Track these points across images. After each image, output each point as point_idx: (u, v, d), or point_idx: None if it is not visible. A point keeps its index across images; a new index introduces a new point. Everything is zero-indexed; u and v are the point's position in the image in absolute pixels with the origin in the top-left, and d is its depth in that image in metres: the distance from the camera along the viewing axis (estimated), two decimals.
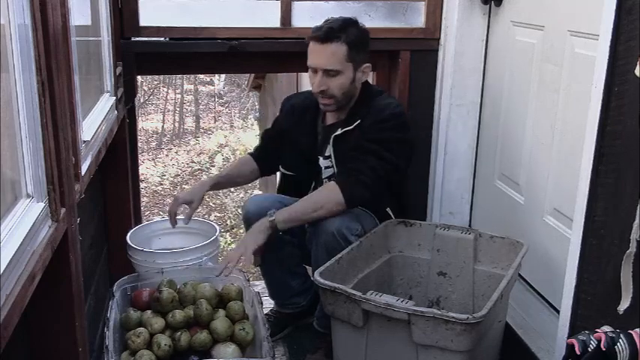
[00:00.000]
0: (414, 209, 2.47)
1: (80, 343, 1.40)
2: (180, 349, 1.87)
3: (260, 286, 2.54)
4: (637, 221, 1.36)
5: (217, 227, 2.41)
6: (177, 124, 16.52)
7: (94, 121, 1.92)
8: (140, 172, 3.37)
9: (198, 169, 14.09)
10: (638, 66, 1.33)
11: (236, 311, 1.98)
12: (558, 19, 2.07)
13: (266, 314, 2.30)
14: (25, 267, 1.09)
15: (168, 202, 11.98)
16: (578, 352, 1.17)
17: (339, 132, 2.15)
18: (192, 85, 17.36)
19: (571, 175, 1.85)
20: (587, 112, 1.56)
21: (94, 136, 1.83)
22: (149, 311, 1.96)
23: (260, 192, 8.46)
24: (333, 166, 2.19)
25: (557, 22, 2.08)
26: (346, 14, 2.24)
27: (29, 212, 1.20)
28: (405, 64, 2.66)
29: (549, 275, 2.13)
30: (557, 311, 1.87)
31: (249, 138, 15.03)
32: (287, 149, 2.33)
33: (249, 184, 2.60)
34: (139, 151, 3.48)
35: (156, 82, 17.07)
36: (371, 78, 2.52)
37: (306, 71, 2.17)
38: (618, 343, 1.14)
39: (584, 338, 1.18)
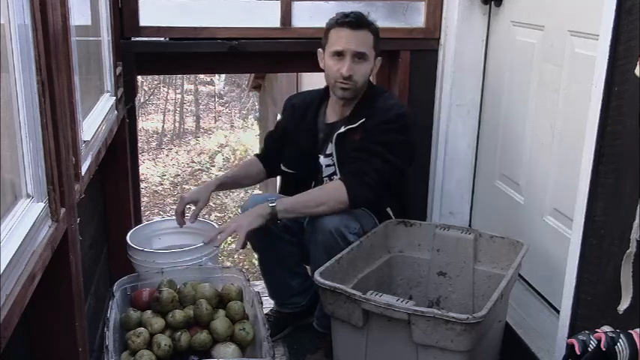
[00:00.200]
0: (414, 209, 2.47)
1: (80, 343, 1.40)
2: (180, 349, 1.87)
3: (260, 286, 2.54)
4: (637, 221, 1.36)
5: (217, 227, 2.41)
6: (177, 124, 16.53)
7: (94, 121, 1.92)
8: (140, 172, 3.37)
9: (199, 169, 14.09)
10: (638, 66, 1.33)
11: (236, 311, 1.98)
12: (558, 19, 2.07)
13: (266, 314, 2.30)
14: (25, 267, 1.09)
15: (168, 202, 12.01)
16: (578, 352, 1.17)
17: (342, 130, 2.15)
18: (193, 85, 17.36)
19: (571, 175, 1.85)
20: (587, 112, 1.56)
21: (94, 136, 1.83)
22: (149, 311, 1.96)
23: (260, 192, 8.46)
24: (334, 165, 2.20)
25: (557, 22, 2.08)
26: None
27: (29, 212, 1.20)
28: (405, 64, 2.66)
29: (549, 275, 2.13)
30: (557, 311, 1.87)
31: (250, 138, 15.04)
32: (288, 147, 2.33)
33: (250, 185, 2.60)
34: (139, 151, 3.48)
35: (156, 82, 17.08)
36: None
37: (307, 71, 2.18)
38: (618, 343, 1.14)
39: (584, 338, 1.18)
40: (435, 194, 2.75)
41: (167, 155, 14.97)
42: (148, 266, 2.15)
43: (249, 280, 2.14)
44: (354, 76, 2.11)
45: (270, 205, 2.02)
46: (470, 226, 2.75)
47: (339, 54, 2.10)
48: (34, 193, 1.24)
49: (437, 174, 2.73)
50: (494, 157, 2.55)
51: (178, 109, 16.77)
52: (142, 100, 15.55)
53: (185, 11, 2.53)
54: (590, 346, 1.17)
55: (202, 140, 15.88)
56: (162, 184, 13.25)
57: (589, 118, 1.55)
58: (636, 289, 1.39)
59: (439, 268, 2.22)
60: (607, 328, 1.23)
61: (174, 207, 2.34)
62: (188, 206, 2.27)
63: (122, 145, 2.45)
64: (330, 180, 2.22)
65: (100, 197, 2.41)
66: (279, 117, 2.52)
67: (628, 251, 1.39)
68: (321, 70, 2.23)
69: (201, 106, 17.37)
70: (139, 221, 2.72)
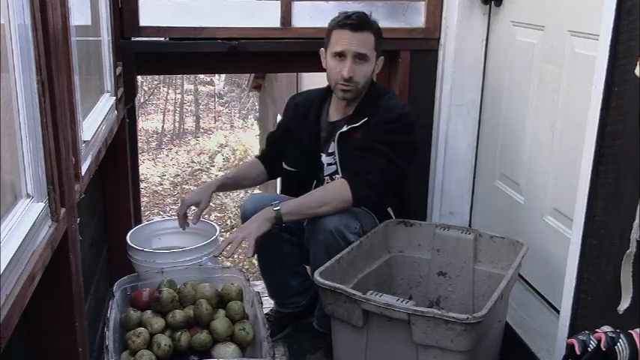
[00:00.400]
0: (414, 209, 2.47)
1: (80, 343, 1.40)
2: (180, 349, 1.87)
3: (260, 286, 2.54)
4: (637, 221, 1.36)
5: (217, 227, 2.41)
6: (177, 124, 16.53)
7: (94, 121, 1.92)
8: (140, 172, 3.37)
9: (199, 169, 14.09)
10: (638, 66, 1.33)
11: (236, 311, 1.98)
12: (558, 19, 2.07)
13: (266, 314, 2.30)
14: (25, 267, 1.09)
15: (168, 202, 12.01)
16: (578, 352, 1.17)
17: (344, 129, 2.15)
18: (192, 85, 17.37)
19: (571, 175, 1.85)
20: (587, 112, 1.55)
21: (94, 136, 1.83)
22: (149, 311, 1.96)
23: (259, 192, 8.46)
24: (336, 163, 2.20)
25: (557, 22, 2.08)
26: None
27: (29, 212, 1.20)
28: (405, 64, 2.66)
29: (549, 275, 2.13)
30: (557, 311, 1.87)
31: (250, 138, 15.04)
32: (290, 146, 2.33)
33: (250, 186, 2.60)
34: (139, 151, 3.48)
35: (156, 82, 17.09)
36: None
37: (307, 71, 2.18)
38: (618, 343, 1.14)
39: (584, 338, 1.18)
40: (435, 194, 2.75)
41: (167, 155, 14.97)
42: (148, 266, 2.15)
43: (249, 280, 2.14)
44: (354, 78, 2.11)
45: (275, 209, 2.02)
46: (470, 226, 2.75)
47: (340, 55, 2.10)
48: (34, 193, 1.24)
49: (437, 174, 2.73)
50: (494, 157, 2.55)
51: (178, 109, 16.77)
52: (142, 100, 15.55)
53: (185, 11, 2.53)
54: (590, 346, 1.17)
55: (202, 140, 15.88)
56: (162, 184, 13.25)
57: (589, 118, 1.55)
58: (636, 289, 1.39)
59: (439, 268, 2.22)
60: (607, 328, 1.23)
61: (175, 207, 2.35)
62: (191, 208, 2.27)
63: (122, 145, 2.45)
64: (332, 179, 2.22)
65: (100, 197, 2.41)
66: (279, 117, 2.52)
67: (628, 251, 1.39)
68: (323, 70, 2.23)
69: (201, 106, 17.37)
70: (139, 221, 2.72)
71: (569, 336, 1.59)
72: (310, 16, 2.55)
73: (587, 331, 1.21)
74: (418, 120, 2.21)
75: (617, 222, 1.47)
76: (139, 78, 4.58)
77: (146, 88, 16.52)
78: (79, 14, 1.82)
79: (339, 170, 2.18)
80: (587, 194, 1.58)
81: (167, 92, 17.33)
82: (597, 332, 1.19)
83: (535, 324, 2.15)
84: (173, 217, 2.34)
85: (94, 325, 2.05)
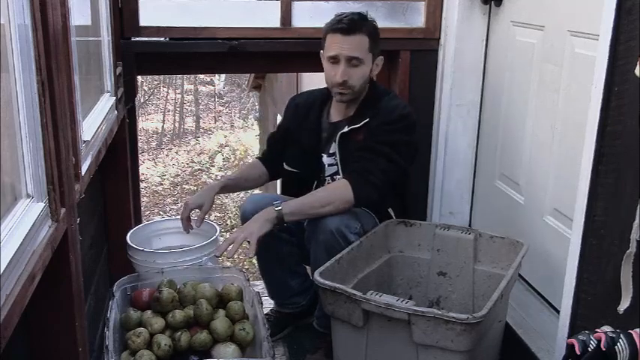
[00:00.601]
0: (415, 209, 2.47)
1: (80, 343, 1.40)
2: (180, 349, 1.87)
3: (260, 286, 2.54)
4: (637, 221, 1.36)
5: (217, 227, 2.41)
6: (177, 124, 16.53)
7: (94, 121, 1.92)
8: (140, 172, 3.37)
9: (199, 169, 14.10)
10: (638, 66, 1.33)
11: (236, 311, 1.98)
12: (558, 19, 2.07)
13: (266, 314, 2.30)
14: (25, 267, 1.09)
15: (168, 202, 12.01)
16: (578, 352, 1.17)
17: (345, 129, 2.15)
18: (193, 85, 17.37)
19: (571, 175, 1.85)
20: (587, 112, 1.55)
21: (94, 136, 1.83)
22: (149, 311, 1.96)
23: (259, 192, 8.46)
24: (337, 164, 2.20)
25: (557, 22, 2.08)
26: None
27: (29, 212, 1.20)
28: (405, 64, 2.66)
29: (549, 275, 2.13)
30: (557, 311, 1.87)
31: (250, 138, 15.04)
32: (291, 146, 2.33)
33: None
34: (139, 151, 3.48)
35: (156, 82, 17.09)
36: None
37: (307, 71, 2.18)
38: (618, 343, 1.14)
39: (584, 338, 1.18)
40: (435, 194, 2.75)
41: (167, 155, 14.97)
42: (148, 266, 2.15)
43: (249, 280, 2.14)
44: (349, 81, 2.11)
45: (276, 209, 2.01)
46: (470, 226, 2.75)
47: (334, 59, 2.11)
48: (34, 193, 1.24)
49: (437, 174, 2.73)
50: (494, 156, 2.55)
51: (178, 109, 16.78)
52: (142, 100, 15.55)
53: (185, 11, 2.53)
54: (590, 346, 1.17)
55: (202, 140, 15.88)
56: (162, 184, 13.25)
57: (589, 118, 1.55)
58: (636, 289, 1.39)
59: (439, 268, 2.22)
60: (607, 328, 1.23)
61: (175, 207, 2.35)
62: (193, 211, 2.27)
63: (122, 145, 2.45)
64: (332, 180, 2.22)
65: (100, 197, 2.41)
66: (279, 117, 2.52)
67: (628, 251, 1.39)
68: (322, 70, 2.23)
69: (201, 106, 17.37)
70: (139, 221, 2.72)
71: (569, 336, 1.59)
72: (310, 16, 2.55)
73: (587, 331, 1.21)
74: (418, 120, 2.21)
75: (617, 222, 1.47)
76: (139, 78, 4.58)
77: (146, 88, 16.52)
78: (79, 14, 1.82)
79: (340, 171, 2.18)
80: (587, 194, 1.58)
81: (167, 92, 17.33)
82: (597, 332, 1.19)
83: (535, 324, 2.15)
84: (173, 217, 2.34)
85: (94, 325, 2.05)
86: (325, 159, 2.24)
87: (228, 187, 2.41)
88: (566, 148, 2.02)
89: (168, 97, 17.22)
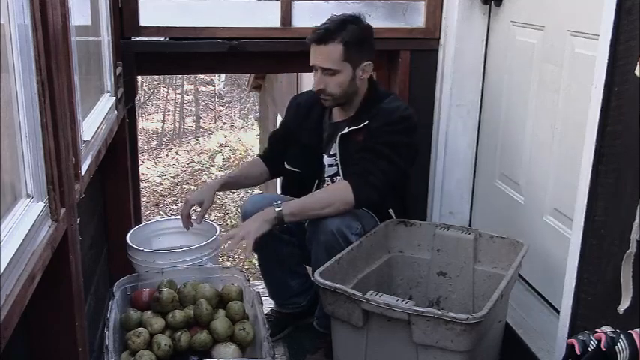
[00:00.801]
0: (414, 209, 2.47)
1: (80, 343, 1.40)
2: (180, 349, 1.87)
3: (260, 286, 2.54)
4: (637, 221, 1.36)
5: (217, 227, 2.41)
6: (177, 124, 16.53)
7: (94, 121, 1.92)
8: (140, 172, 3.37)
9: (199, 169, 14.10)
10: (638, 66, 1.33)
11: (236, 311, 1.98)
12: (558, 19, 2.07)
13: (266, 314, 2.30)
14: (25, 267, 1.09)
15: (168, 202, 12.01)
16: (578, 352, 1.17)
17: (345, 130, 2.15)
18: (193, 85, 17.37)
19: (571, 175, 1.85)
20: (587, 112, 1.55)
21: (94, 136, 1.83)
22: (149, 311, 1.96)
23: (260, 192, 8.47)
24: (337, 165, 2.20)
25: (557, 22, 2.08)
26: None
27: (29, 212, 1.20)
28: (405, 64, 2.66)
29: (549, 275, 2.13)
30: (557, 311, 1.87)
31: (250, 138, 15.05)
32: (292, 146, 2.33)
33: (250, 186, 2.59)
34: (139, 151, 3.48)
35: (156, 82, 17.09)
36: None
37: (307, 71, 2.18)
38: (618, 343, 1.14)
39: (584, 338, 1.18)
40: (435, 194, 2.75)
41: (167, 155, 14.98)
42: (148, 266, 2.15)
43: (249, 280, 2.14)
44: (327, 89, 2.12)
45: (276, 209, 2.01)
46: (470, 226, 2.75)
47: (313, 67, 2.13)
48: (34, 193, 1.24)
49: (437, 174, 2.73)
50: (494, 157, 2.55)
51: (178, 109, 16.78)
52: (142, 100, 15.55)
53: (185, 11, 2.53)
54: (590, 346, 1.17)
55: (202, 140, 15.88)
56: (162, 184, 13.25)
57: (589, 118, 1.55)
58: (636, 289, 1.39)
59: (439, 268, 2.22)
60: (607, 328, 1.23)
61: (175, 207, 2.35)
62: (193, 208, 2.26)
63: (122, 145, 2.45)
64: (332, 180, 2.22)
65: (100, 197, 2.41)
66: (279, 117, 2.52)
67: (628, 251, 1.39)
68: None
69: (201, 106, 17.38)
70: (139, 221, 2.72)
71: (569, 336, 1.59)
72: (310, 16, 2.55)
73: (587, 331, 1.21)
74: (418, 120, 2.21)
75: (617, 222, 1.47)
76: (139, 78, 4.58)
77: (146, 88, 16.52)
78: (79, 14, 1.82)
79: (341, 172, 2.18)
80: (587, 194, 1.58)
81: (167, 92, 17.33)
82: (597, 332, 1.19)
83: (535, 324, 2.15)
84: (173, 217, 2.34)
85: (94, 325, 2.05)
86: (326, 159, 2.24)
87: (229, 184, 2.41)
88: (566, 148, 2.02)
89: (168, 97, 17.22)
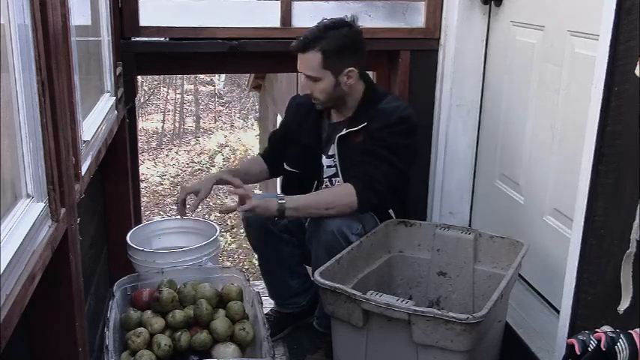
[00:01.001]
0: (415, 209, 2.47)
1: (80, 343, 1.40)
2: (180, 349, 1.87)
3: (260, 286, 2.54)
4: (637, 221, 1.36)
5: (217, 227, 2.41)
6: (177, 124, 16.53)
7: (94, 121, 1.92)
8: (140, 172, 3.37)
9: (199, 169, 14.09)
10: (638, 66, 1.33)
11: (236, 311, 1.98)
12: (558, 19, 2.07)
13: (266, 314, 2.30)
14: (25, 267, 1.09)
15: (168, 202, 12.00)
16: (578, 352, 1.17)
17: (343, 132, 2.15)
18: (193, 85, 17.36)
19: (571, 175, 1.85)
20: (587, 112, 1.55)
21: (94, 136, 1.83)
22: (149, 311, 1.96)
23: (260, 192, 8.46)
24: (336, 166, 2.20)
25: (557, 22, 2.08)
26: (346, 14, 2.24)
27: (29, 212, 1.20)
28: (405, 64, 2.66)
29: (549, 275, 2.13)
30: (557, 311, 1.87)
31: (250, 138, 15.04)
32: (291, 146, 2.33)
33: (250, 185, 2.57)
34: (139, 151, 3.48)
35: (156, 82, 17.08)
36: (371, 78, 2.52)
37: None
38: (618, 343, 1.14)
39: (584, 338, 1.18)
40: (435, 194, 2.75)
41: (167, 155, 14.97)
42: (148, 266, 2.16)
43: (249, 280, 2.14)
44: (313, 94, 2.14)
45: (280, 202, 2.02)
46: (470, 226, 2.75)
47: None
48: (34, 193, 1.24)
49: (437, 174, 2.73)
50: (494, 157, 2.55)
51: (178, 109, 16.77)
52: (142, 100, 15.55)
53: (185, 11, 2.53)
54: (590, 346, 1.17)
55: (202, 140, 15.87)
56: (162, 184, 13.25)
57: (589, 118, 1.55)
58: (636, 289, 1.39)
59: (439, 268, 2.22)
60: (607, 328, 1.23)
61: (175, 207, 2.34)
62: (189, 198, 2.25)
63: (122, 145, 2.45)
64: (331, 181, 2.22)
65: (100, 197, 2.41)
66: (279, 117, 2.52)
67: (628, 251, 1.39)
68: None
69: (201, 106, 17.37)
70: (139, 221, 2.72)
71: (569, 336, 1.59)
72: (310, 16, 2.55)
73: (587, 331, 1.21)
74: (418, 120, 2.21)
75: (617, 222, 1.47)
76: (139, 78, 4.58)
77: (146, 88, 16.52)
78: (79, 14, 1.82)
79: (340, 173, 2.18)
80: (587, 194, 1.58)
81: (167, 92, 17.33)
82: (597, 332, 1.19)
83: (535, 324, 2.15)
84: (173, 217, 2.35)
85: (94, 325, 2.05)
86: (324, 160, 2.24)
87: (227, 179, 2.41)
88: (566, 148, 2.02)
89: (168, 97, 17.21)
